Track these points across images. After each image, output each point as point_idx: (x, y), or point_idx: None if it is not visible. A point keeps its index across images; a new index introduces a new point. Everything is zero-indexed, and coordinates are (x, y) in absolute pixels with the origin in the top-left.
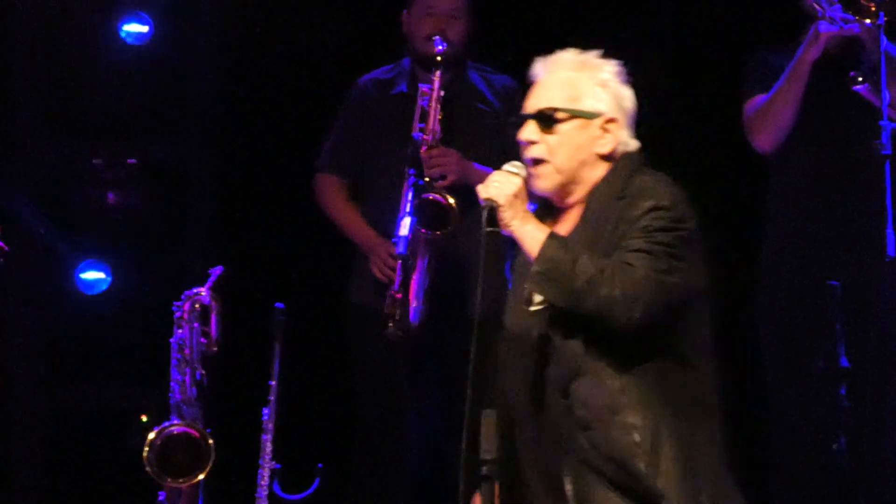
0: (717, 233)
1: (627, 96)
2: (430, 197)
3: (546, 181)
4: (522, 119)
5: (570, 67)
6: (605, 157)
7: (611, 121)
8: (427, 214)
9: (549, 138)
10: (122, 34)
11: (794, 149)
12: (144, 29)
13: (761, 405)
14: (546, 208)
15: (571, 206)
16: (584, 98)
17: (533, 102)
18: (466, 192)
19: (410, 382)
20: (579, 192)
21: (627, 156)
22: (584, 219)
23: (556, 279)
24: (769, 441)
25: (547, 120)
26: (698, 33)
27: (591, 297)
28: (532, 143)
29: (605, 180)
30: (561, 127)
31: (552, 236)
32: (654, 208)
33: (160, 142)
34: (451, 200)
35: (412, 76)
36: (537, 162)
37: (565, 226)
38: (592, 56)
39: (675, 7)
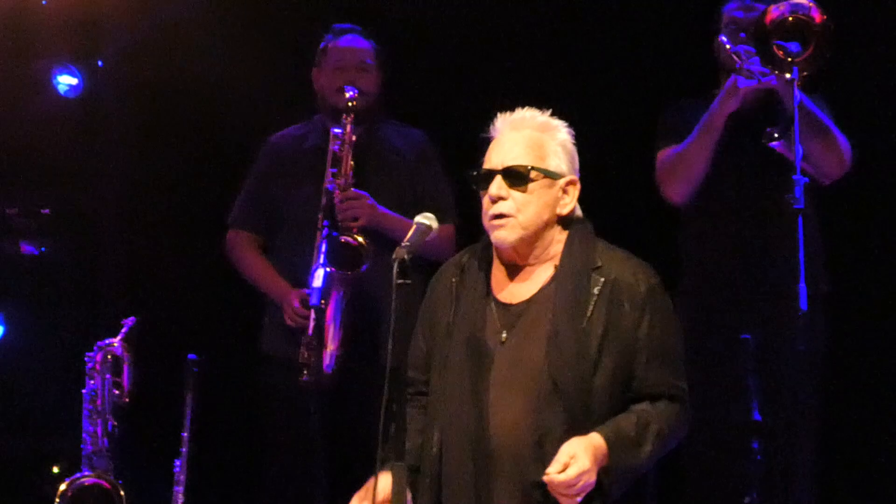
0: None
1: (577, 159)
2: (343, 239)
3: (510, 234)
4: (491, 174)
5: (534, 127)
6: (562, 219)
7: (571, 182)
8: (339, 255)
9: (517, 195)
10: (55, 84)
11: (708, 201)
12: (73, 81)
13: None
14: (482, 262)
15: (529, 265)
16: (548, 158)
17: (499, 159)
18: (378, 236)
19: (322, 431)
20: (538, 252)
21: (581, 221)
22: (559, 286)
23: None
24: (683, 494)
25: (516, 177)
26: (615, 84)
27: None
28: (501, 198)
29: (571, 246)
30: (530, 185)
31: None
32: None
33: (74, 192)
34: (362, 240)
35: (324, 130)
36: (501, 216)
37: (529, 286)
38: (549, 116)
39: (587, 59)
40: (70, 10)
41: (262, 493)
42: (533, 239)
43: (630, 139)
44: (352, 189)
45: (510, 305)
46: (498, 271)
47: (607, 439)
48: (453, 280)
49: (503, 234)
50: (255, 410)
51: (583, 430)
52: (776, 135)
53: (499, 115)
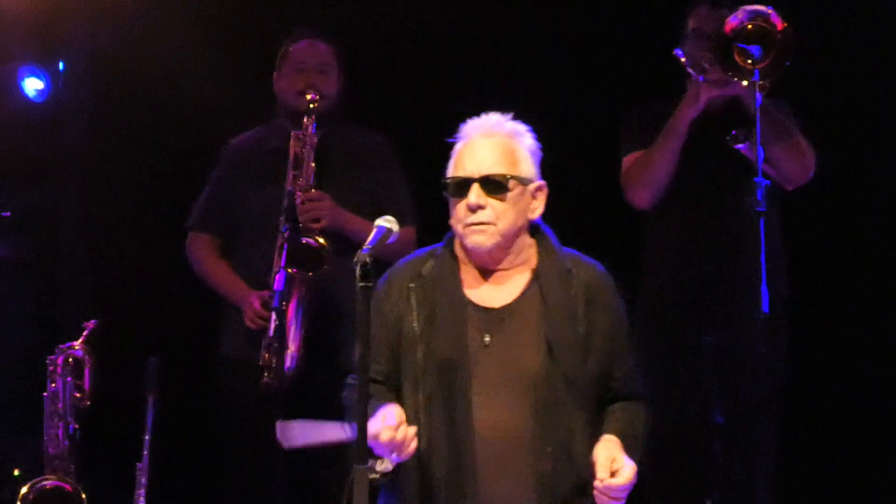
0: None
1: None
2: (304, 240)
3: (488, 240)
4: (467, 182)
5: (505, 133)
6: (530, 224)
7: (540, 188)
8: (300, 257)
9: (495, 203)
10: (21, 88)
11: (671, 204)
12: (40, 84)
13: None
14: (448, 266)
15: (501, 269)
16: (520, 164)
17: (474, 166)
18: (339, 238)
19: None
20: (511, 256)
21: (539, 224)
22: (547, 290)
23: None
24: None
25: (494, 185)
26: (578, 87)
27: None
28: (480, 207)
29: (544, 250)
30: (507, 193)
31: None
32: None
33: (33, 194)
34: (323, 241)
35: (285, 133)
36: (480, 223)
37: (508, 290)
38: (513, 121)
39: (553, 59)
40: (35, 13)
41: (223, 496)
42: (508, 245)
43: (593, 141)
44: (313, 190)
45: (491, 309)
46: (468, 275)
47: (623, 439)
48: (410, 285)
49: (481, 240)
50: (217, 413)
51: (591, 428)
52: (741, 137)
53: (467, 120)
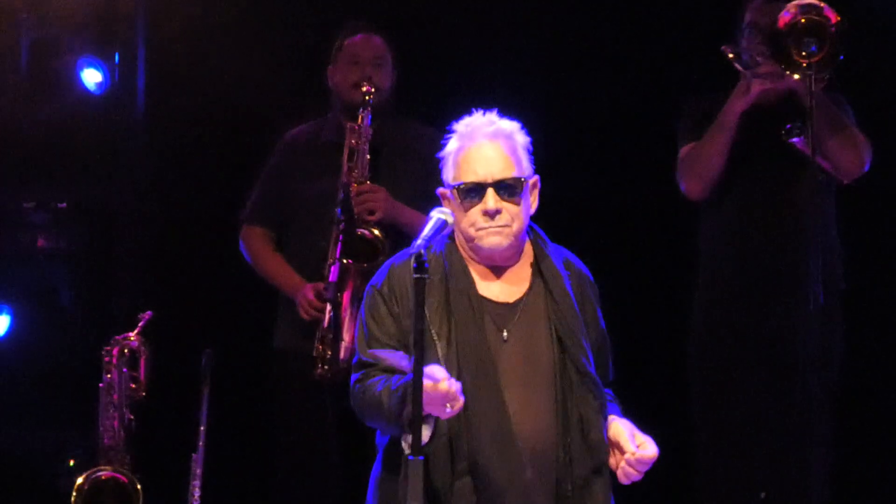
0: (650, 278)
1: None
2: (359, 232)
3: (505, 240)
4: (481, 187)
5: (507, 134)
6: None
7: (535, 183)
8: (355, 248)
9: (510, 206)
10: (80, 79)
11: (726, 197)
12: (99, 77)
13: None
14: (456, 264)
15: (509, 265)
16: (523, 164)
17: (487, 171)
18: (394, 230)
19: (336, 425)
20: (517, 252)
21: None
22: (551, 283)
23: None
24: (696, 489)
25: (508, 189)
26: (635, 79)
27: None
28: (497, 212)
29: (539, 245)
30: (521, 196)
31: None
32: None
33: (89, 185)
34: (379, 233)
35: (339, 126)
36: (497, 226)
37: (517, 284)
38: (505, 119)
39: (611, 54)
40: (93, 5)
41: (277, 487)
42: (519, 243)
43: (651, 136)
44: (368, 183)
45: (505, 304)
46: (476, 273)
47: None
48: (409, 288)
49: (497, 241)
50: (270, 405)
51: (603, 414)
52: (796, 131)
53: (462, 124)
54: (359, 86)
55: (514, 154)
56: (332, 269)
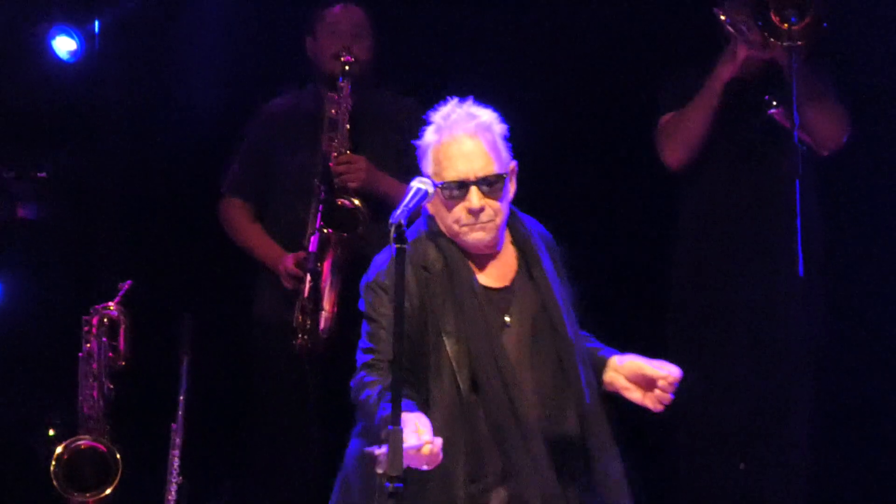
0: (627, 250)
1: None
2: (339, 201)
3: (488, 235)
4: (464, 185)
5: (486, 127)
6: None
7: (513, 169)
8: (335, 218)
9: (492, 202)
10: (52, 48)
11: (706, 168)
12: (72, 44)
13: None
14: (453, 254)
15: (496, 250)
16: (503, 155)
17: (468, 167)
18: (373, 199)
19: (316, 395)
20: (500, 239)
21: None
22: (533, 263)
23: None
24: (673, 460)
25: (491, 185)
26: (613, 49)
27: None
28: (482, 209)
29: (517, 224)
30: (502, 190)
31: None
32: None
33: (68, 155)
34: (359, 203)
35: (318, 97)
36: (480, 223)
37: (507, 268)
38: (481, 108)
39: (589, 24)
40: None
41: (256, 456)
42: (501, 231)
43: (630, 107)
44: (348, 153)
45: (500, 290)
46: (471, 261)
47: None
48: (425, 275)
49: (481, 236)
50: (250, 373)
51: (597, 381)
52: (774, 102)
53: (439, 115)
54: (338, 56)
55: (494, 149)
56: (312, 239)
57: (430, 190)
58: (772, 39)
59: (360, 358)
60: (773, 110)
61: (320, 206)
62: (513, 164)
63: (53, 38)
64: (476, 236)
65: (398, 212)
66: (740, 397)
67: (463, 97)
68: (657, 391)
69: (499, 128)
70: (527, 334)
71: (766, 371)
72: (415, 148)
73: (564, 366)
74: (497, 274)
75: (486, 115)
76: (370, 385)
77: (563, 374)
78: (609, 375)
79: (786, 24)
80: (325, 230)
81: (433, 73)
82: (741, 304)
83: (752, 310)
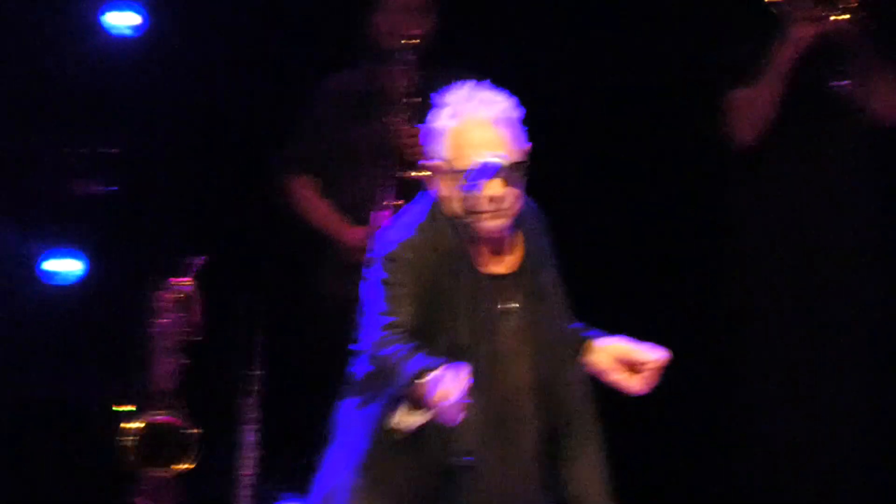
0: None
1: None
2: (405, 174)
3: (504, 222)
4: (488, 172)
5: (507, 115)
6: None
7: (527, 151)
8: (406, 192)
9: (512, 189)
10: (105, 24)
11: (771, 143)
12: (131, 19)
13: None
14: (459, 238)
15: (505, 235)
16: (520, 142)
17: (493, 155)
18: None
19: None
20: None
21: None
22: (530, 249)
23: None
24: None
25: (512, 173)
26: (678, 28)
27: None
28: (503, 197)
29: (523, 209)
30: (520, 176)
31: None
32: None
33: (143, 132)
34: (425, 175)
35: (382, 73)
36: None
37: (513, 254)
38: (498, 93)
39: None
40: None
41: (329, 430)
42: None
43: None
44: (414, 125)
45: (505, 276)
46: (478, 246)
47: None
48: (429, 258)
49: (496, 224)
50: (321, 349)
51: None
52: (837, 75)
53: (456, 99)
54: (403, 33)
55: (514, 136)
56: (383, 213)
57: (500, 162)
58: (827, 14)
59: (378, 321)
60: (836, 83)
61: (386, 180)
62: (527, 148)
63: (119, 12)
64: (494, 223)
65: (465, 185)
66: (801, 378)
67: (479, 81)
68: (645, 373)
69: (515, 113)
70: (526, 322)
71: (827, 351)
72: None
73: (559, 356)
74: (502, 260)
75: (506, 102)
76: (395, 342)
77: (557, 364)
78: (594, 357)
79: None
80: (393, 203)
81: (485, 51)
82: (806, 282)
83: (816, 287)
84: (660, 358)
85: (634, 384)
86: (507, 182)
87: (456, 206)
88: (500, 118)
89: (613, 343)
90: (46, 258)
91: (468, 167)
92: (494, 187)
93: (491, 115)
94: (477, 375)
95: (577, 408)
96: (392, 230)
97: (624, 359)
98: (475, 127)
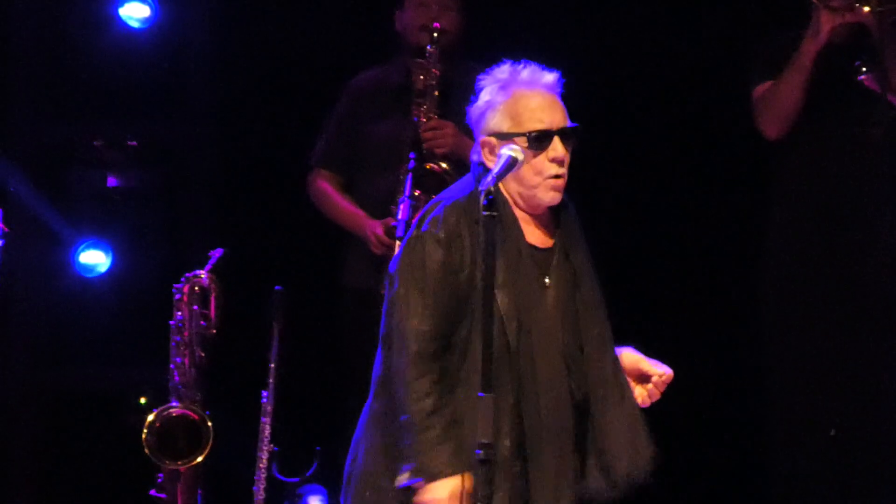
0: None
1: None
2: (428, 166)
3: (559, 196)
4: (549, 135)
5: (558, 85)
6: None
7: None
8: (425, 183)
9: (567, 156)
10: (123, 16)
11: (799, 136)
12: (147, 11)
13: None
14: (503, 212)
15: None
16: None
17: (551, 119)
18: (463, 167)
19: None
20: None
21: None
22: (564, 227)
23: None
24: (766, 425)
25: (569, 139)
26: (706, 20)
27: None
28: (563, 160)
29: None
30: (574, 145)
31: None
32: None
33: (161, 124)
34: (448, 167)
35: (406, 69)
36: (559, 176)
37: (551, 228)
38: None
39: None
40: None
41: (346, 423)
42: None
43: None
44: (436, 118)
45: (544, 250)
46: (522, 220)
47: None
48: (471, 230)
49: (554, 196)
50: (340, 342)
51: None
52: (864, 67)
53: (506, 72)
54: (427, 28)
55: (564, 105)
56: (402, 206)
57: (521, 157)
58: (857, 4)
59: (420, 346)
60: (863, 76)
61: (409, 173)
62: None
63: (126, 3)
64: (551, 195)
65: (488, 178)
66: (834, 365)
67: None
68: (650, 386)
69: (560, 86)
70: (562, 297)
71: (860, 339)
72: None
73: (591, 335)
74: (542, 234)
75: (555, 74)
76: (435, 410)
77: (588, 342)
78: None
79: None
80: (416, 192)
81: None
82: (838, 271)
83: (849, 276)
84: (666, 372)
85: (638, 395)
86: (566, 147)
87: (529, 173)
88: (551, 84)
89: (625, 351)
90: (82, 251)
91: (529, 129)
92: (557, 147)
93: (542, 83)
94: (518, 345)
95: (609, 378)
96: (445, 196)
97: (634, 369)
98: (530, 94)
